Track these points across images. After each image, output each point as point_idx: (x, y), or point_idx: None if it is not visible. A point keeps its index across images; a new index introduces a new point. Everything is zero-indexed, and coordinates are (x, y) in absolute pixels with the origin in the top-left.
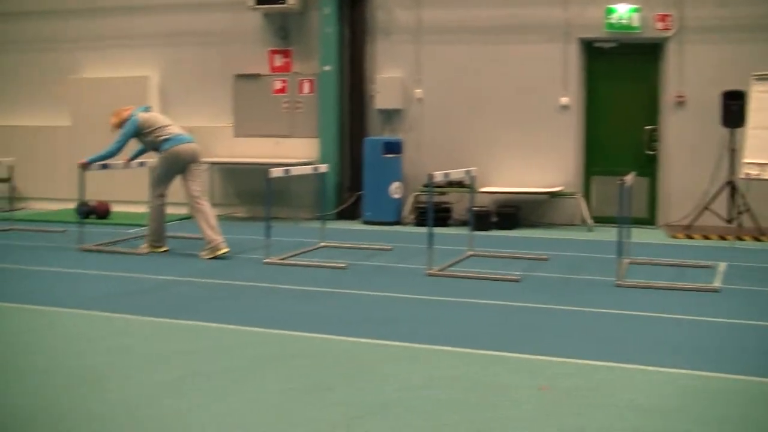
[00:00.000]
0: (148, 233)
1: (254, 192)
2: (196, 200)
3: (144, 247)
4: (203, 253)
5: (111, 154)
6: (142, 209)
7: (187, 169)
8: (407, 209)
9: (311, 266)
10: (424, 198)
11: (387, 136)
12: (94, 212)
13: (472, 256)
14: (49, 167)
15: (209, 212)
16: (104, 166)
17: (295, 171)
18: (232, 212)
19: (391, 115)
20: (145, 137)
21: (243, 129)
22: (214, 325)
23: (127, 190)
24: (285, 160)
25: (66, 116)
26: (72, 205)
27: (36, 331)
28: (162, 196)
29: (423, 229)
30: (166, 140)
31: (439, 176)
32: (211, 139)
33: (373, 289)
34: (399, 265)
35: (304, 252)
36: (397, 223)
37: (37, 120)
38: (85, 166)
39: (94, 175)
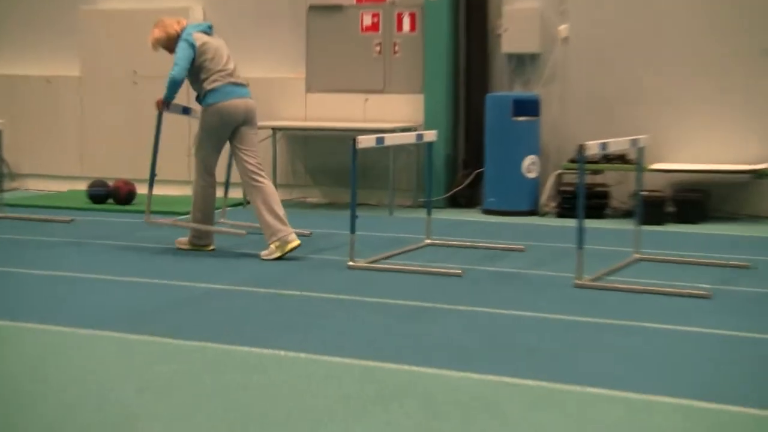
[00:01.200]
0: (192, 226)
1: (334, 169)
2: (253, 176)
3: (183, 242)
4: (266, 252)
5: (175, 83)
6: (179, 191)
7: (237, 133)
8: (546, 194)
9: (413, 272)
10: (571, 178)
11: (518, 92)
12: (112, 195)
13: (639, 260)
14: (51, 133)
15: (271, 192)
16: (186, 111)
17: (391, 140)
18: (303, 197)
19: (524, 62)
20: (191, 73)
21: (319, 81)
22: (283, 353)
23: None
24: (377, 124)
25: (74, 63)
26: (82, 186)
27: (48, 358)
28: (209, 174)
29: (569, 222)
30: (211, 91)
31: (592, 148)
32: (275, 96)
33: (499, 306)
34: (535, 272)
35: (403, 252)
36: (533, 213)
37: (33, 68)
38: (165, 106)
39: (108, 146)
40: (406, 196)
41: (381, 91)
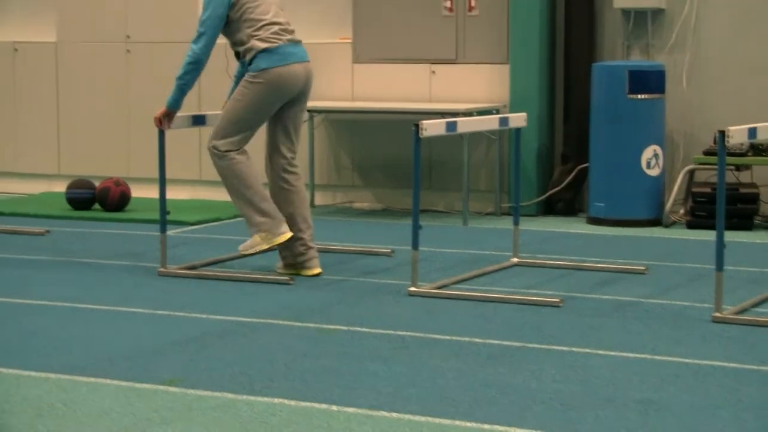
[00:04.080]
0: (251, 219)
1: (389, 164)
2: (286, 175)
3: (258, 242)
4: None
5: (198, 66)
6: (189, 194)
7: (282, 110)
8: (673, 197)
9: (495, 300)
10: (707, 176)
11: (635, 60)
12: (99, 199)
13: None
14: (20, 117)
15: (301, 202)
16: (199, 120)
17: (466, 125)
18: (349, 201)
19: (643, 20)
20: (230, 31)
21: (370, 48)
22: (324, 407)
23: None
24: (447, 105)
25: (48, 26)
26: (60, 187)
27: (23, 415)
28: (240, 153)
29: (705, 235)
30: (264, 52)
31: (737, 135)
32: (313, 69)
33: (610, 346)
34: (659, 302)
35: (482, 274)
36: (655, 222)
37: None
38: (168, 120)
39: (93, 135)
40: (485, 201)
41: (452, 61)
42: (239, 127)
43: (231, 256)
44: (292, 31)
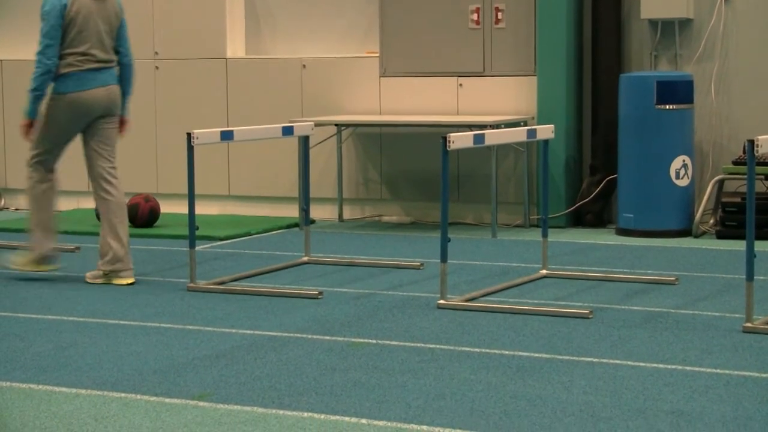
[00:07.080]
0: (29, 239)
1: (418, 177)
2: (103, 184)
3: (20, 261)
4: (90, 274)
5: (47, 74)
6: (218, 209)
7: (93, 128)
8: (703, 208)
9: (525, 313)
10: (736, 186)
11: (663, 71)
12: (129, 215)
13: None
14: None
15: (120, 211)
16: (226, 136)
17: (494, 138)
18: (378, 215)
19: (671, 31)
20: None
21: (397, 62)
22: (354, 420)
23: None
24: (474, 118)
25: None
26: (90, 203)
27: (61, 427)
28: (49, 171)
29: (735, 245)
30: (63, 77)
31: (766, 144)
32: (339, 82)
33: (640, 357)
34: (689, 312)
35: (511, 286)
36: (684, 233)
37: (25, 51)
38: (32, 129)
39: (121, 151)
40: (514, 213)
41: (480, 74)
42: (43, 142)
43: (260, 271)
44: (105, 61)
